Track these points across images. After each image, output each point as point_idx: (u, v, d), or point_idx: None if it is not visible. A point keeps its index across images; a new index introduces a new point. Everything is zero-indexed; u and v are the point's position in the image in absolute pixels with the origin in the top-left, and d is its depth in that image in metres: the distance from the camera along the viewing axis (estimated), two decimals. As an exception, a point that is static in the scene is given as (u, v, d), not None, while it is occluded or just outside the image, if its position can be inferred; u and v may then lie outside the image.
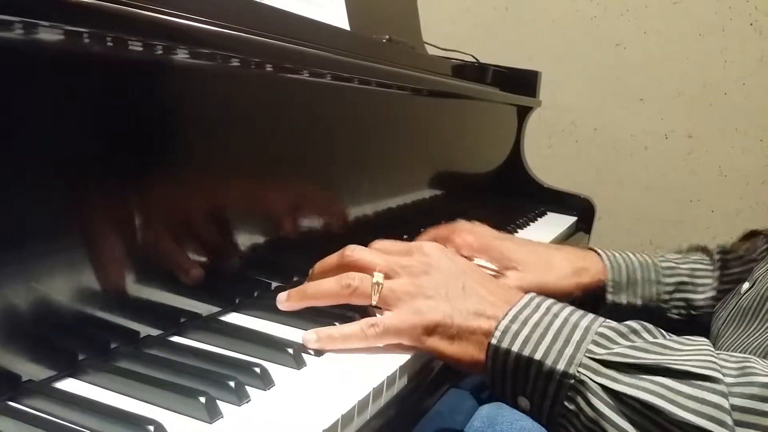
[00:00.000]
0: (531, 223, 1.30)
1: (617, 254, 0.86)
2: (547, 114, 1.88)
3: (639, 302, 0.85)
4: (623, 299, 0.83)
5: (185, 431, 0.42)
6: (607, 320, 0.54)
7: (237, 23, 0.56)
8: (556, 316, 0.54)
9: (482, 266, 0.86)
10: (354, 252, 0.60)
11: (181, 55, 0.53)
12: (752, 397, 0.45)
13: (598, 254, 0.86)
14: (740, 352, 0.63)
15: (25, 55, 0.41)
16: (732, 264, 0.86)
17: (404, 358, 0.56)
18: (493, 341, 0.53)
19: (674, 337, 0.53)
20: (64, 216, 0.46)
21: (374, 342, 0.55)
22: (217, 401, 0.44)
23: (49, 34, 0.41)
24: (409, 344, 0.56)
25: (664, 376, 0.48)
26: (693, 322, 0.82)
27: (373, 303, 0.57)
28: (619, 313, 0.83)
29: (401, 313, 0.56)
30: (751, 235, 0.91)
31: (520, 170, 1.53)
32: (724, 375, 0.47)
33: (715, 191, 1.97)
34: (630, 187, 2.05)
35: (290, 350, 0.53)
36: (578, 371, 0.50)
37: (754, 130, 1.91)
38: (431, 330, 0.55)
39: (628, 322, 0.54)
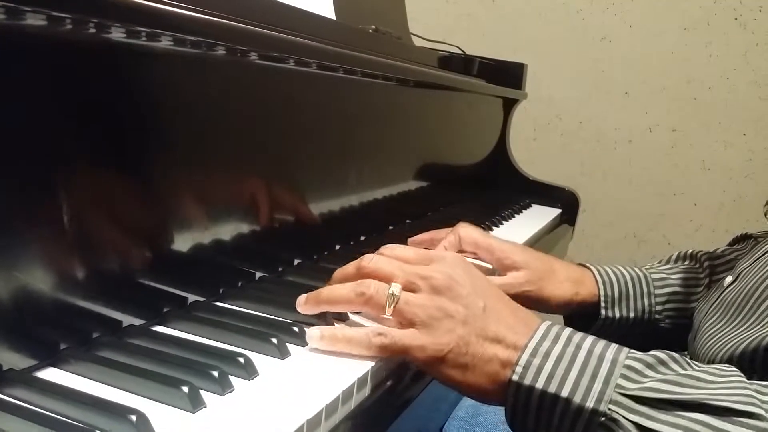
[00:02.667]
0: (516, 215, 1.31)
1: (608, 269, 0.86)
2: (532, 107, 1.88)
3: (632, 315, 0.84)
4: (616, 313, 0.83)
5: (168, 421, 0.41)
6: (632, 351, 0.52)
7: (222, 10, 0.56)
8: (579, 347, 0.51)
9: (478, 264, 0.86)
10: (372, 262, 0.56)
11: (164, 43, 0.52)
12: None
13: (590, 270, 0.86)
14: (722, 346, 0.64)
15: (5, 41, 0.40)
16: (721, 269, 0.86)
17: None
18: (515, 378, 0.50)
19: (704, 367, 0.51)
20: (46, 204, 0.45)
21: (377, 352, 0.52)
22: (200, 391, 0.44)
23: (32, 19, 0.41)
24: (414, 363, 0.54)
25: (702, 412, 0.46)
26: (685, 330, 0.82)
27: (387, 315, 0.54)
28: (612, 327, 0.83)
29: (414, 331, 0.53)
30: (741, 239, 0.91)
31: (505, 162, 1.54)
32: (766, 410, 0.45)
33: (699, 185, 1.98)
34: (614, 180, 2.06)
35: (274, 340, 0.52)
36: (609, 408, 0.47)
37: (738, 125, 1.92)
38: (442, 356, 0.52)
39: (653, 352, 0.51)
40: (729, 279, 0.74)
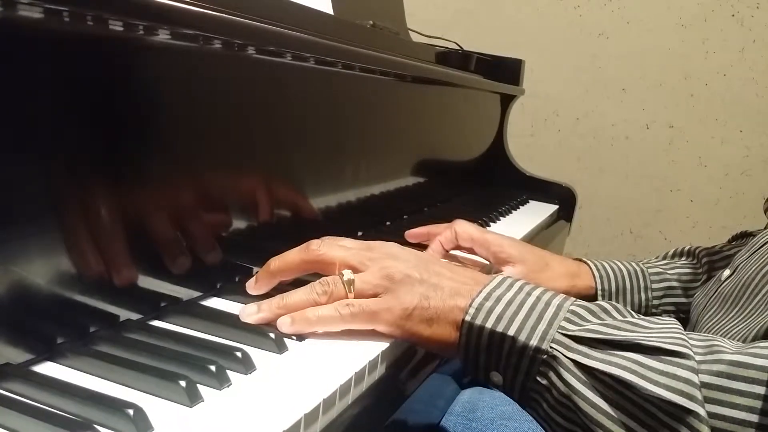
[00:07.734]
0: (513, 211, 1.31)
1: (605, 263, 0.86)
2: (529, 103, 1.88)
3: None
4: None
5: (165, 415, 0.41)
6: (578, 300, 0.55)
7: (219, 4, 0.56)
8: (528, 294, 0.55)
9: (473, 260, 0.86)
10: (320, 247, 0.59)
11: (161, 36, 0.52)
12: (719, 374, 0.46)
13: (587, 264, 0.86)
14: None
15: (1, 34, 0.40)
16: (718, 265, 0.86)
17: (386, 343, 0.56)
18: (467, 318, 0.53)
19: (643, 317, 0.54)
20: (43, 199, 0.45)
21: (349, 321, 0.55)
22: (198, 385, 0.44)
23: (27, 11, 0.41)
24: (385, 330, 0.55)
25: (635, 351, 0.48)
26: (682, 325, 0.82)
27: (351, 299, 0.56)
28: None
29: (378, 298, 0.56)
30: (741, 236, 0.91)
31: (502, 158, 1.54)
32: (694, 353, 0.48)
33: (695, 181, 1.99)
34: (611, 176, 2.06)
35: (272, 335, 0.52)
36: (551, 347, 0.50)
37: (735, 121, 1.93)
38: (408, 314, 0.55)
39: (598, 302, 0.55)
40: (727, 272, 0.74)
